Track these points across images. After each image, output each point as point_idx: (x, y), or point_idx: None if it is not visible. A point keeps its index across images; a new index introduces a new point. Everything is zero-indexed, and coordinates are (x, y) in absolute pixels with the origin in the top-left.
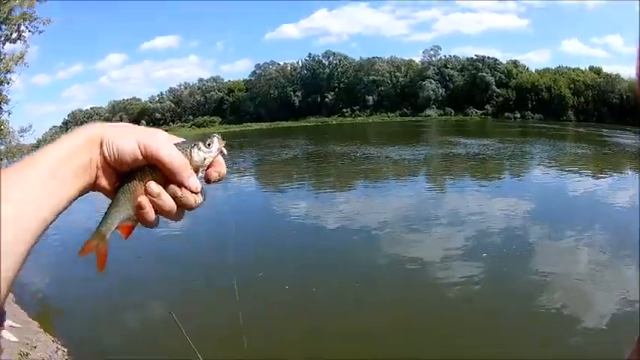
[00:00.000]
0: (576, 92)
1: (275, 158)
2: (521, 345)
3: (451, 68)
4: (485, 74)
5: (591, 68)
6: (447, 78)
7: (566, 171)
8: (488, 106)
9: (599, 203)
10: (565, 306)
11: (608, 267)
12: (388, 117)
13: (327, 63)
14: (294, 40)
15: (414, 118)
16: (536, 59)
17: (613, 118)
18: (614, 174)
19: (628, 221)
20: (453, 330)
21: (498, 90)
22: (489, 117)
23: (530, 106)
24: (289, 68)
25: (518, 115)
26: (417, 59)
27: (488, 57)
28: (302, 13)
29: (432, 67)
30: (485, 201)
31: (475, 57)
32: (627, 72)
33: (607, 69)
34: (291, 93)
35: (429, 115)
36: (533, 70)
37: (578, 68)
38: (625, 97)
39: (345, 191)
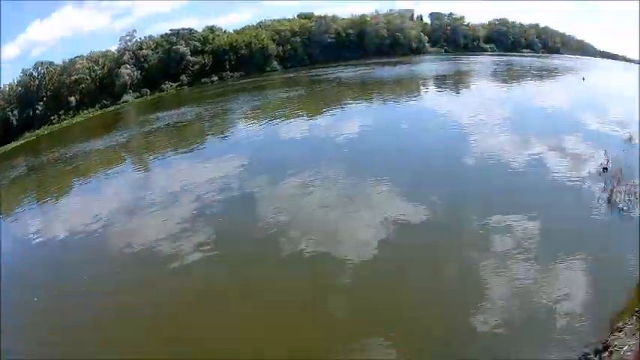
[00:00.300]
0: (281, 42)
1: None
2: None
3: (146, 49)
4: (179, 46)
5: (300, 15)
6: (142, 59)
7: (276, 117)
8: (183, 77)
9: (320, 139)
10: (317, 243)
11: (348, 198)
12: (89, 112)
13: (36, 74)
14: (16, 59)
15: (112, 108)
16: (238, 19)
17: (329, 57)
18: (333, 107)
19: (362, 148)
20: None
21: (193, 58)
22: (185, 87)
23: (228, 66)
24: (7, 89)
25: (216, 78)
26: (115, 48)
27: (184, 28)
28: (18, 29)
29: (127, 53)
30: (194, 166)
31: (170, 32)
32: (347, 11)
33: (321, 12)
34: (9, 114)
35: (126, 101)
36: (232, 31)
37: (284, 18)
38: (345, 34)
39: (65, 195)
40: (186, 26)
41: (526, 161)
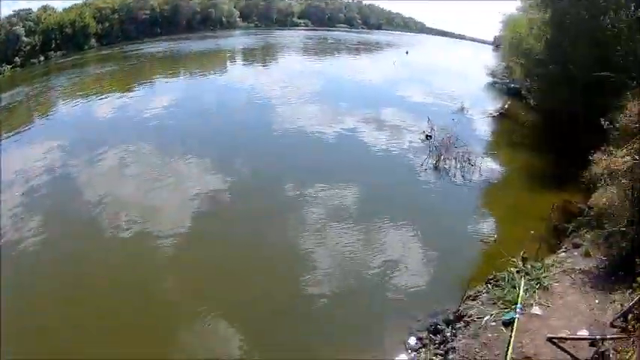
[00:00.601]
0: (101, 19)
1: None
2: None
3: None
4: (17, 27)
5: None
6: None
7: (91, 94)
8: (17, 59)
9: (131, 115)
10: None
11: (161, 173)
12: None
13: None
14: None
15: None
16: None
17: (142, 33)
18: (144, 82)
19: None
20: None
21: (27, 39)
22: (18, 68)
23: (54, 45)
24: None
25: (43, 58)
26: None
27: (22, 9)
28: None
29: None
30: (22, 150)
31: (12, 12)
32: None
33: None
34: None
35: None
36: (62, 10)
37: None
38: (159, 9)
39: None
40: (24, 7)
41: (342, 133)
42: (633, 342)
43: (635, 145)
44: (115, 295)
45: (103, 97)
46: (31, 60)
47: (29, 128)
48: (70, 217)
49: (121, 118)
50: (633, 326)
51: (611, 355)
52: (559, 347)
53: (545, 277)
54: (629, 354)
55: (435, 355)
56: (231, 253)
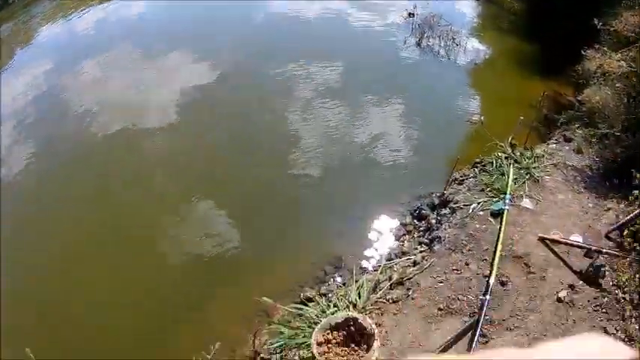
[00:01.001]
0: None
1: None
2: None
3: None
4: None
5: None
6: None
7: (71, 12)
8: None
9: (110, 22)
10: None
11: (146, 71)
12: None
13: None
14: None
15: None
16: None
17: None
18: None
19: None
20: None
21: None
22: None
23: None
24: None
25: None
26: None
27: None
28: None
29: None
30: (11, 80)
31: None
32: None
33: None
34: None
35: None
36: None
37: None
38: None
39: None
40: None
41: (324, 14)
42: (631, 264)
43: (631, 53)
44: (110, 209)
45: (83, 11)
46: (9, 1)
47: (12, 63)
48: (61, 139)
49: (102, 28)
50: (630, 244)
51: (606, 273)
52: (551, 250)
53: (535, 168)
54: (626, 276)
55: (420, 244)
56: (219, 140)
